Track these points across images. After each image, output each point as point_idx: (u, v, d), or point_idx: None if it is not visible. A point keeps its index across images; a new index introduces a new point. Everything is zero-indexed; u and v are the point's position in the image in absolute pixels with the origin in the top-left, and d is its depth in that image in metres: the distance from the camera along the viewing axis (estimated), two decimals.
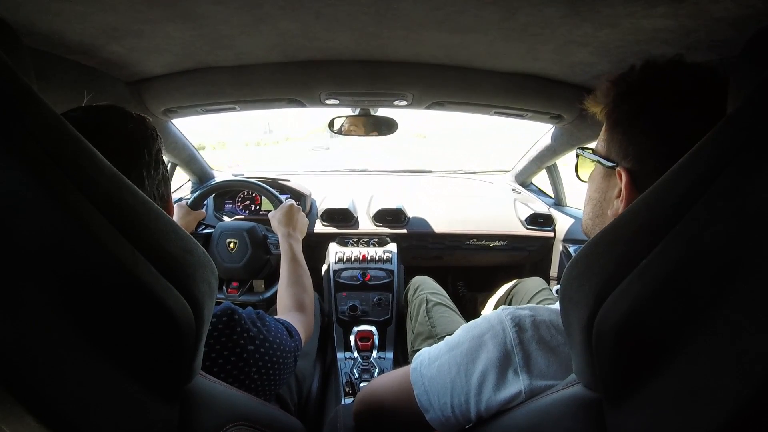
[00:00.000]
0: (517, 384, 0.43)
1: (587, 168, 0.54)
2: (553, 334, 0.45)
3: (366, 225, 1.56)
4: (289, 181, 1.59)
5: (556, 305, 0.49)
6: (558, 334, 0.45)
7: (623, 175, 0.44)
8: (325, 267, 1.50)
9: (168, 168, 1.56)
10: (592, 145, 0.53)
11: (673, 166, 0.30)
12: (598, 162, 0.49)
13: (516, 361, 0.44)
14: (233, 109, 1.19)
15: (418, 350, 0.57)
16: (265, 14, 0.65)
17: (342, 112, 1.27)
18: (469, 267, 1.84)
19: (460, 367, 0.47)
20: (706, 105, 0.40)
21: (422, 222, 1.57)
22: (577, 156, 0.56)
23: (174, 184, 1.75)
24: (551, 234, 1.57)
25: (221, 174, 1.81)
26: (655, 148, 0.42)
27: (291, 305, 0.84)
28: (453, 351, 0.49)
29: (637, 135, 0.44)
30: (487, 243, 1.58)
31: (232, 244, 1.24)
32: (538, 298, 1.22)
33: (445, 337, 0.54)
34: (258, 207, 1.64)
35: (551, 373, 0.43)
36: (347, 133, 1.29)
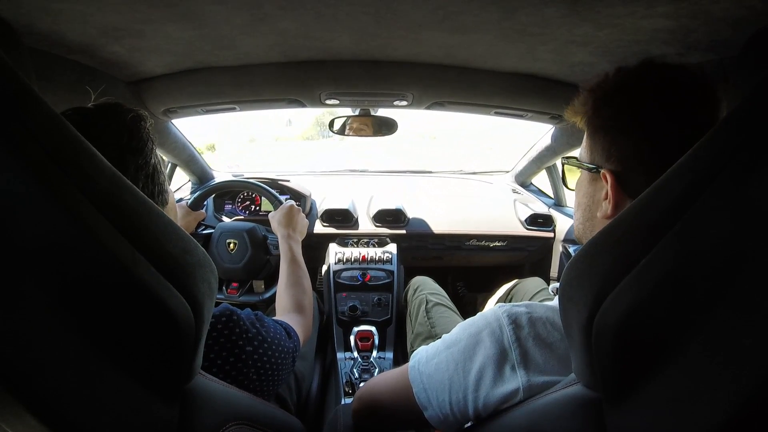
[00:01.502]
0: (514, 380, 0.43)
1: (574, 176, 0.55)
2: (549, 331, 0.46)
3: (366, 225, 1.56)
4: (288, 181, 1.59)
5: (552, 302, 0.49)
6: (554, 330, 0.46)
7: (608, 177, 0.45)
8: (324, 267, 1.50)
9: (168, 168, 1.56)
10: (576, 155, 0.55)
11: (673, 165, 0.30)
12: (584, 168, 0.50)
13: (513, 357, 0.44)
14: (233, 109, 1.19)
15: None
16: (265, 14, 0.65)
17: (342, 112, 1.27)
18: (469, 267, 1.84)
19: (458, 365, 0.48)
20: (681, 102, 0.42)
21: (422, 222, 1.57)
22: (563, 165, 0.58)
23: (174, 184, 1.75)
24: (551, 234, 1.57)
25: (221, 174, 1.81)
26: (637, 148, 0.44)
27: (290, 306, 0.84)
28: (450, 348, 0.50)
29: (618, 137, 0.45)
30: (486, 243, 1.58)
31: (232, 245, 1.24)
32: (537, 299, 1.22)
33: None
34: (258, 207, 1.64)
35: (548, 369, 0.43)
36: (347, 134, 1.29)
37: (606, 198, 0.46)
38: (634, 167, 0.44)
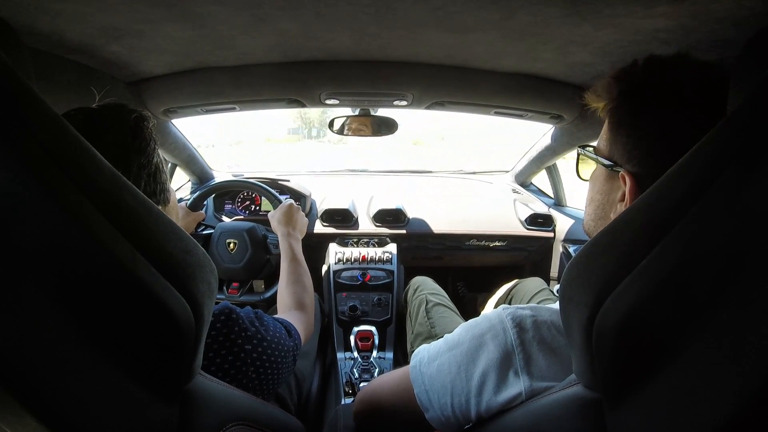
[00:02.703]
0: (517, 385, 0.43)
1: (589, 167, 0.52)
2: (554, 335, 0.45)
3: (366, 225, 1.56)
4: (288, 181, 1.59)
5: (557, 305, 0.48)
6: (559, 334, 0.45)
7: (627, 179, 0.42)
8: (325, 267, 1.50)
9: (168, 168, 1.56)
10: (593, 144, 0.52)
11: (673, 166, 0.30)
12: (601, 163, 0.47)
13: (517, 362, 0.44)
14: (233, 109, 1.19)
15: None
16: (265, 14, 0.65)
17: (342, 112, 1.27)
18: (469, 267, 1.84)
19: (460, 367, 0.47)
20: (712, 104, 0.39)
21: (422, 222, 1.57)
22: (578, 154, 0.54)
23: (174, 184, 1.75)
24: (551, 234, 1.57)
25: (221, 174, 1.81)
26: (661, 151, 0.41)
27: (291, 304, 0.84)
28: (453, 350, 0.49)
29: (641, 137, 0.42)
30: (487, 243, 1.58)
31: (232, 245, 1.24)
32: (538, 299, 1.22)
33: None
34: (258, 207, 1.64)
35: (552, 374, 0.43)
36: (346, 133, 1.29)
37: (622, 200, 0.43)
38: (655, 172, 0.40)
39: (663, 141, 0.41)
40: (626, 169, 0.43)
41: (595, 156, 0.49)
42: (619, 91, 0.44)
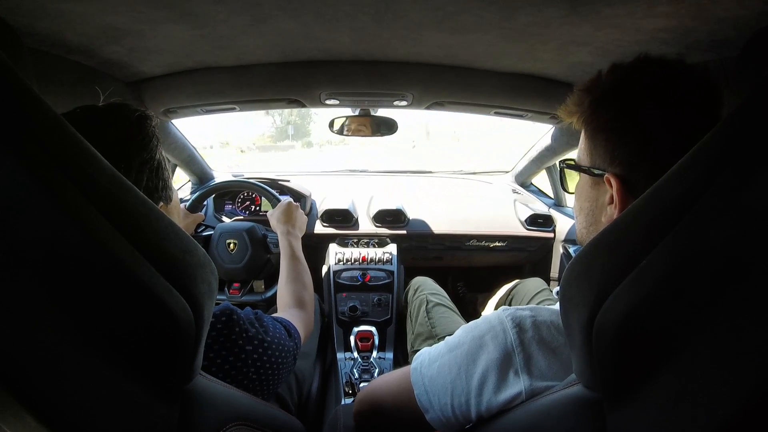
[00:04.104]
0: (517, 385, 0.43)
1: (574, 179, 0.53)
2: (554, 335, 0.45)
3: (366, 226, 1.56)
4: (288, 181, 1.59)
5: (557, 306, 0.49)
6: (559, 335, 0.45)
7: (613, 181, 0.43)
8: (325, 268, 1.50)
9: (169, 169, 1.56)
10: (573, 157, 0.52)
11: (673, 166, 0.30)
12: (586, 173, 0.48)
13: (517, 362, 0.44)
14: (233, 109, 1.19)
15: (418, 350, 0.57)
16: (265, 14, 0.65)
17: (342, 112, 1.27)
18: (469, 267, 1.84)
19: (460, 368, 0.47)
20: (682, 98, 0.40)
21: (422, 223, 1.57)
22: (561, 169, 0.55)
23: (174, 184, 1.74)
24: (551, 234, 1.57)
25: (221, 174, 1.81)
26: (640, 150, 0.42)
27: (291, 302, 0.84)
28: (453, 351, 0.49)
29: (620, 139, 0.44)
30: (487, 243, 1.58)
31: (232, 245, 1.24)
32: (538, 299, 1.22)
33: (445, 337, 0.53)
34: (258, 207, 1.64)
35: (552, 374, 0.43)
36: (346, 133, 1.30)
37: (611, 202, 0.44)
38: (638, 170, 0.42)
39: (641, 139, 0.42)
40: (610, 172, 0.44)
41: (578, 167, 0.49)
42: (590, 101, 0.46)
